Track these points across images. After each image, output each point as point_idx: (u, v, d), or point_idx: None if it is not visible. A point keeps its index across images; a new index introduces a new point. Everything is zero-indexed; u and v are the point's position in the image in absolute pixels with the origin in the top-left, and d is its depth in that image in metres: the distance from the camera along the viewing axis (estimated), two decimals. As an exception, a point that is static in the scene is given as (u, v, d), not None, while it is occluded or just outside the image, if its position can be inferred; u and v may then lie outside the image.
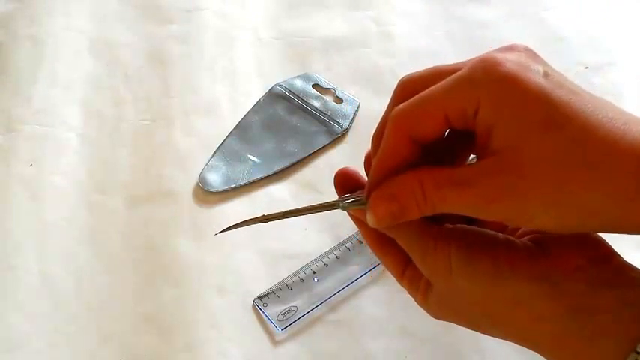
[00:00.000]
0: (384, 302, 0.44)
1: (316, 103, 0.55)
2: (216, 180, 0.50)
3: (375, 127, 0.29)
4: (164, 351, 0.42)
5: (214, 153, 0.52)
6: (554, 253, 0.26)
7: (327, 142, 0.53)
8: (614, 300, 0.25)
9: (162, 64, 0.58)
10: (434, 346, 0.42)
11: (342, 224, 0.47)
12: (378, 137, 0.29)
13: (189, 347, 0.42)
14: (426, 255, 0.28)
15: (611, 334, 0.24)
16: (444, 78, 0.26)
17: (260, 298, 0.44)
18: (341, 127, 0.53)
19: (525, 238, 0.27)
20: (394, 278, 0.31)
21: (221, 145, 0.52)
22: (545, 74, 0.24)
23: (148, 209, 0.49)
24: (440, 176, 0.26)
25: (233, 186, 0.50)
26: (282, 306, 0.43)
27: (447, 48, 0.59)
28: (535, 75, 0.24)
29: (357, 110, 0.55)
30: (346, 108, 0.55)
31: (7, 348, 0.41)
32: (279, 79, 0.57)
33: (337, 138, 0.53)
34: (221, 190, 0.50)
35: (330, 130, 0.53)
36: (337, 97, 0.56)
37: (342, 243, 0.46)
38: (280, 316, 0.43)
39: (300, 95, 0.56)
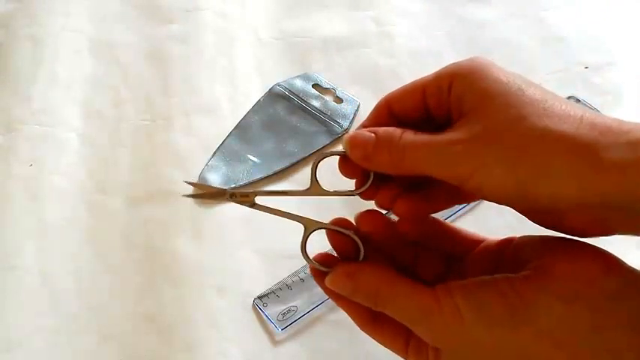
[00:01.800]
0: (384, 302, 0.44)
1: (316, 103, 0.55)
2: (216, 180, 0.50)
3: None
4: (164, 351, 0.42)
5: (214, 153, 0.52)
6: (559, 271, 0.26)
7: (327, 142, 0.53)
8: (629, 312, 0.25)
9: (162, 64, 0.58)
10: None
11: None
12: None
13: (189, 347, 0.42)
14: (431, 316, 0.27)
15: (633, 348, 0.24)
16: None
17: (260, 298, 0.44)
18: (341, 127, 0.53)
19: (524, 273, 0.27)
20: None
21: (221, 145, 0.52)
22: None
23: (148, 209, 0.48)
24: (420, 134, 0.28)
25: (233, 186, 0.50)
26: (282, 306, 0.43)
27: (447, 48, 0.59)
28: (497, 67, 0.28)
29: (357, 110, 0.55)
30: (346, 108, 0.55)
31: (7, 348, 0.41)
32: (279, 79, 0.57)
33: (337, 138, 0.53)
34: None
35: (330, 130, 0.53)
36: (337, 97, 0.56)
37: (342, 243, 0.46)
38: (280, 316, 0.43)
39: (300, 95, 0.56)
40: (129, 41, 0.60)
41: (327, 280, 0.30)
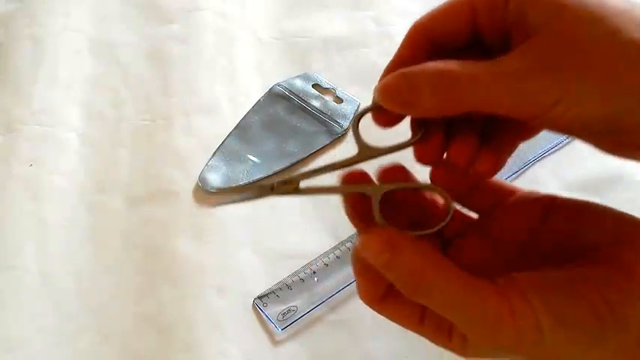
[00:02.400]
0: (384, 302, 0.44)
1: (316, 103, 0.55)
2: (216, 180, 0.50)
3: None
4: (164, 351, 0.42)
5: (214, 153, 0.52)
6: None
7: (327, 142, 0.53)
8: None
9: (162, 64, 0.58)
10: (434, 346, 0.42)
11: (342, 224, 0.47)
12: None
13: (189, 347, 0.42)
14: (499, 323, 0.22)
15: None
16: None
17: (260, 298, 0.44)
18: (341, 127, 0.53)
19: (603, 270, 0.22)
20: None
21: (221, 145, 0.52)
22: None
23: (148, 209, 0.48)
24: (473, 64, 0.22)
25: (233, 186, 0.50)
26: (282, 306, 0.43)
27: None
28: None
29: (356, 110, 0.55)
30: (346, 108, 0.55)
31: (7, 348, 0.41)
32: (279, 79, 0.57)
33: (337, 138, 0.53)
34: (221, 190, 0.50)
35: (330, 130, 0.53)
36: (337, 97, 0.56)
37: (342, 243, 0.46)
38: (280, 316, 0.43)
39: (300, 95, 0.56)
40: (129, 41, 0.60)
41: (360, 241, 0.25)
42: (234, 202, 0.29)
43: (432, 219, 0.27)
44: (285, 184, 0.28)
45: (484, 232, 0.27)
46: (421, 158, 0.26)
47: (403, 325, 0.26)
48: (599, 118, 0.21)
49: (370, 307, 0.27)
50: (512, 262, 0.26)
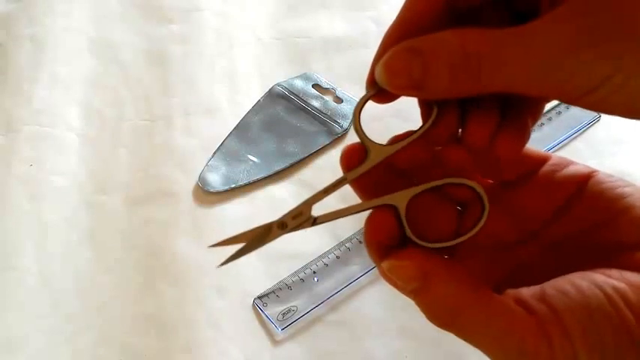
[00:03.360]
0: (384, 302, 0.44)
1: (316, 103, 0.55)
2: (216, 180, 0.50)
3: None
4: (164, 351, 0.42)
5: (214, 153, 0.52)
6: None
7: (327, 142, 0.53)
8: None
9: (162, 64, 0.58)
10: (434, 346, 0.42)
11: (342, 224, 0.47)
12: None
13: (189, 347, 0.42)
14: (538, 352, 0.20)
15: None
16: None
17: (260, 298, 0.44)
18: (341, 127, 0.53)
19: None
20: None
21: (221, 145, 0.52)
22: None
23: (148, 209, 0.48)
24: (492, 32, 0.19)
25: (233, 186, 0.50)
26: (282, 306, 0.43)
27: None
28: None
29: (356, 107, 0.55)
30: (346, 108, 0.55)
31: (7, 348, 0.41)
32: (279, 79, 0.57)
33: (337, 138, 0.53)
34: (221, 190, 0.50)
35: (330, 130, 0.53)
36: (337, 97, 0.56)
37: (342, 243, 0.46)
38: (280, 316, 0.43)
39: (300, 95, 0.56)
40: (129, 41, 0.60)
41: (387, 265, 0.22)
42: (241, 253, 0.28)
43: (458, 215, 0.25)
44: (295, 217, 0.25)
45: (505, 205, 0.25)
46: (435, 142, 0.24)
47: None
48: None
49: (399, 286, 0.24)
50: (524, 242, 0.25)
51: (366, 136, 0.25)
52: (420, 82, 0.20)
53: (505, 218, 0.25)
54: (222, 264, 0.27)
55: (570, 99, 0.19)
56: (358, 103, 0.24)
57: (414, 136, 0.24)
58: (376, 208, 0.24)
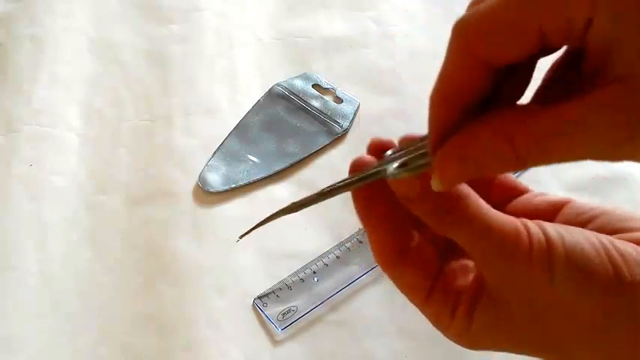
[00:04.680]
0: (384, 302, 0.44)
1: (316, 103, 0.55)
2: (216, 180, 0.50)
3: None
4: (164, 351, 0.42)
5: (214, 153, 0.52)
6: None
7: (327, 142, 0.53)
8: None
9: (162, 64, 0.58)
10: (434, 346, 0.42)
11: (342, 224, 0.47)
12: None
13: (189, 347, 0.42)
14: (515, 256, 0.22)
15: None
16: None
17: (260, 298, 0.44)
18: (341, 127, 0.53)
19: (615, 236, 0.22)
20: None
21: (221, 145, 0.52)
22: None
23: (148, 209, 0.48)
24: (537, 123, 0.19)
25: (233, 186, 0.50)
26: (282, 306, 0.43)
27: (447, 48, 0.59)
28: None
29: (356, 110, 0.55)
30: (346, 108, 0.55)
31: (7, 348, 0.41)
32: (279, 79, 0.57)
33: (337, 138, 0.53)
34: (221, 190, 0.50)
35: (330, 130, 0.53)
36: (337, 97, 0.56)
37: (342, 243, 0.46)
38: (280, 316, 0.43)
39: (300, 95, 0.56)
40: (129, 41, 0.60)
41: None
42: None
43: None
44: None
45: None
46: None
47: (409, 297, 0.26)
48: None
49: (383, 268, 0.26)
50: None
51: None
52: (477, 176, 0.21)
53: None
54: (244, 235, 0.27)
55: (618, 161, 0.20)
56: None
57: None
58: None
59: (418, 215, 0.24)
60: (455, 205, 0.23)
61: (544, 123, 0.19)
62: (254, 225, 0.27)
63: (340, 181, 0.24)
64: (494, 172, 0.22)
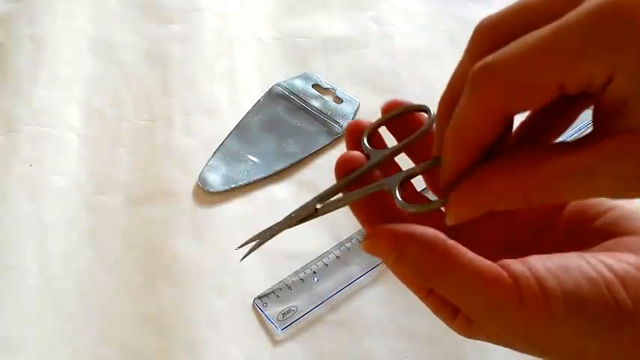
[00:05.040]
0: (384, 302, 0.44)
1: (316, 103, 0.55)
2: (216, 180, 0.50)
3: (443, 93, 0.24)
4: (164, 351, 0.42)
5: (214, 153, 0.52)
6: None
7: (327, 142, 0.53)
8: None
9: (162, 64, 0.58)
10: (434, 346, 0.42)
11: (342, 224, 0.47)
12: (448, 104, 0.23)
13: (189, 347, 0.42)
14: (506, 313, 0.21)
15: None
16: (543, 21, 0.19)
17: (260, 298, 0.44)
18: (341, 127, 0.53)
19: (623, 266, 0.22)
20: (394, 277, 0.26)
21: (221, 145, 0.52)
22: None
23: (148, 209, 0.48)
24: (547, 169, 0.20)
25: (233, 186, 0.50)
26: (282, 306, 0.43)
27: (447, 48, 0.59)
28: None
29: (357, 110, 0.55)
30: (346, 108, 0.55)
31: (7, 348, 0.41)
32: (279, 79, 0.57)
33: (337, 138, 0.53)
34: (221, 190, 0.50)
35: (330, 130, 0.53)
36: (337, 97, 0.56)
37: (342, 243, 0.46)
38: (280, 316, 0.43)
39: (300, 95, 0.56)
40: (129, 41, 0.60)
41: (365, 244, 0.24)
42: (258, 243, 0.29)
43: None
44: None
45: (495, 216, 0.26)
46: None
47: (412, 289, 0.26)
48: None
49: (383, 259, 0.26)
50: (513, 250, 0.26)
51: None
52: (486, 212, 0.22)
53: (494, 227, 0.27)
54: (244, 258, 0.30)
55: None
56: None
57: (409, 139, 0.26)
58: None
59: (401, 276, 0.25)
60: (440, 257, 0.23)
61: (554, 169, 0.20)
62: (254, 244, 0.31)
63: (339, 197, 0.26)
64: (506, 208, 0.22)
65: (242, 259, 0.30)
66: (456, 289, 0.22)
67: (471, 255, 0.22)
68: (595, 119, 0.21)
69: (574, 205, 0.25)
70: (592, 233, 0.24)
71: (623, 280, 0.21)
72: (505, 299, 0.21)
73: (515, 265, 0.22)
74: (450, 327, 0.25)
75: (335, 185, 0.26)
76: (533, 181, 0.20)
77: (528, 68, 0.19)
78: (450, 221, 0.23)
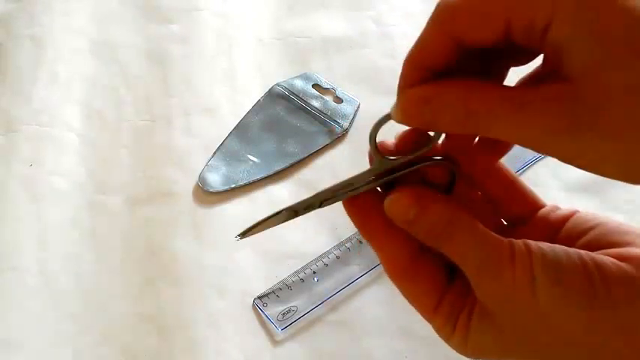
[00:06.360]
0: (384, 302, 0.44)
1: (316, 103, 0.55)
2: (216, 180, 0.50)
3: None
4: (164, 351, 0.42)
5: (214, 153, 0.52)
6: None
7: (327, 142, 0.53)
8: None
9: (162, 64, 0.58)
10: (434, 346, 0.42)
11: (342, 224, 0.47)
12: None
13: (189, 347, 0.42)
14: (500, 270, 0.23)
15: None
16: None
17: (260, 298, 0.44)
18: (341, 127, 0.53)
19: (602, 252, 0.24)
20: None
21: (221, 145, 0.52)
22: None
23: (148, 209, 0.49)
24: (492, 93, 0.22)
25: (233, 186, 0.50)
26: (282, 306, 0.43)
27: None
28: None
29: (356, 110, 0.55)
30: (346, 108, 0.55)
31: (7, 348, 0.41)
32: (279, 79, 0.57)
33: (337, 138, 0.53)
34: (221, 190, 0.50)
35: (330, 130, 0.53)
36: (337, 97, 0.56)
37: (342, 243, 0.46)
38: (280, 316, 0.43)
39: (300, 95, 0.56)
40: (129, 41, 0.60)
41: (389, 202, 0.26)
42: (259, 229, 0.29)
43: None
44: (307, 208, 0.29)
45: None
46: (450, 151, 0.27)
47: (417, 308, 0.27)
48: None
49: (393, 280, 0.27)
50: None
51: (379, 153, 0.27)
52: (429, 124, 0.24)
53: None
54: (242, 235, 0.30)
55: (561, 160, 0.22)
56: (376, 124, 0.27)
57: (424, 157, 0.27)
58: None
59: (416, 237, 0.26)
60: (451, 220, 0.25)
61: (495, 94, 0.22)
62: (254, 224, 0.30)
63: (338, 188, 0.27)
64: (445, 126, 0.23)
65: (240, 236, 0.30)
66: (464, 246, 0.24)
67: (479, 224, 0.25)
68: (541, 78, 0.22)
69: (570, 223, 0.27)
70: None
71: (600, 267, 0.23)
72: (501, 256, 0.23)
73: (517, 243, 0.24)
74: (450, 343, 0.27)
75: (339, 183, 0.27)
76: (476, 98, 0.22)
77: (480, 1, 0.21)
78: (395, 114, 0.24)
